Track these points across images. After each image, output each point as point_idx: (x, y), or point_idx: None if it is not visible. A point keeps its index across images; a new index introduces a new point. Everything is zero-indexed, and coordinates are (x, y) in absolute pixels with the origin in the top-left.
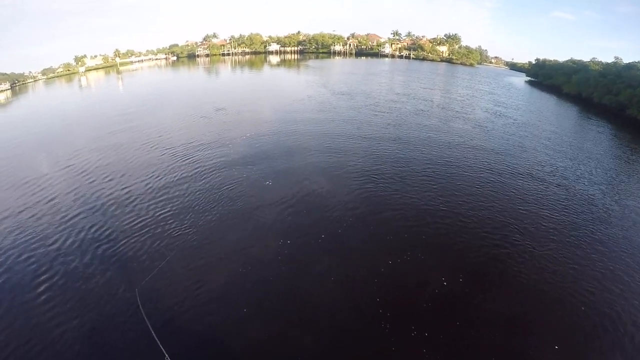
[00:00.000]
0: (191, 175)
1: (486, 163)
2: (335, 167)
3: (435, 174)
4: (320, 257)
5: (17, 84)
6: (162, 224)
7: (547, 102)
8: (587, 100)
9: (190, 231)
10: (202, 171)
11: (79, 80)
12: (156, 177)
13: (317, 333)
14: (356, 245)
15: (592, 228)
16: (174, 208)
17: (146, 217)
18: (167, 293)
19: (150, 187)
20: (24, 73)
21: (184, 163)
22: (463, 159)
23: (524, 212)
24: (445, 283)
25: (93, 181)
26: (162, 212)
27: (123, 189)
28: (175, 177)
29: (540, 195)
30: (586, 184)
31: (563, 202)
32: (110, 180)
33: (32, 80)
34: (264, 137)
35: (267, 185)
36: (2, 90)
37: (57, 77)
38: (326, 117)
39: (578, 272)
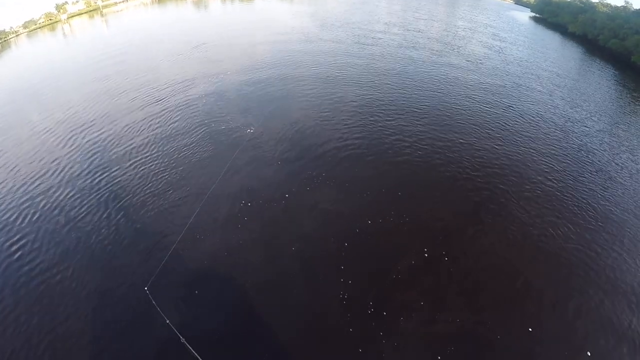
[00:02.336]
0: (167, 127)
1: (481, 104)
2: (310, 111)
3: (420, 117)
4: (283, 222)
5: None
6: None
7: (551, 41)
8: (593, 42)
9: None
10: (176, 121)
11: (62, 29)
12: (132, 131)
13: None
14: (328, 205)
15: (592, 180)
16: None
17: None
18: None
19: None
20: (4, 30)
21: (157, 110)
22: (455, 101)
23: (519, 161)
24: (426, 255)
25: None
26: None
27: (100, 142)
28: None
29: (540, 143)
30: (586, 131)
31: (562, 150)
32: (85, 134)
33: (14, 35)
34: (244, 77)
35: (249, 132)
36: None
37: (40, 28)
38: (307, 55)
39: (575, 238)
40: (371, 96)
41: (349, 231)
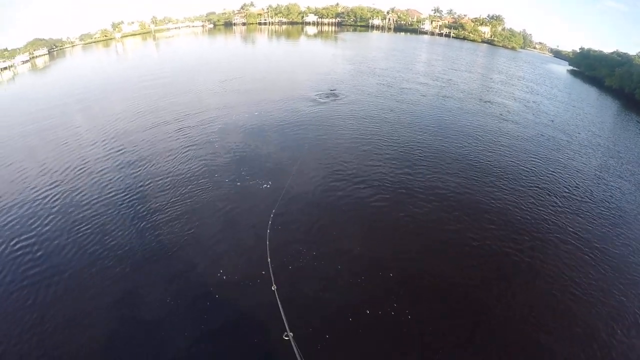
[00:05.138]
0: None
1: (505, 166)
2: (326, 179)
3: (435, 187)
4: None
5: (55, 49)
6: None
7: (587, 95)
8: (629, 96)
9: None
10: (204, 152)
11: (115, 46)
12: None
13: None
14: (312, 292)
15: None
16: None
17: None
18: None
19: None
20: (61, 38)
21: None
22: (480, 168)
23: (550, 238)
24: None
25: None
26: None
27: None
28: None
29: (570, 209)
30: (620, 197)
31: (594, 219)
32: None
33: (70, 45)
34: (277, 117)
35: (265, 188)
36: (40, 55)
37: (95, 42)
38: (338, 105)
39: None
40: (392, 155)
41: (335, 321)
